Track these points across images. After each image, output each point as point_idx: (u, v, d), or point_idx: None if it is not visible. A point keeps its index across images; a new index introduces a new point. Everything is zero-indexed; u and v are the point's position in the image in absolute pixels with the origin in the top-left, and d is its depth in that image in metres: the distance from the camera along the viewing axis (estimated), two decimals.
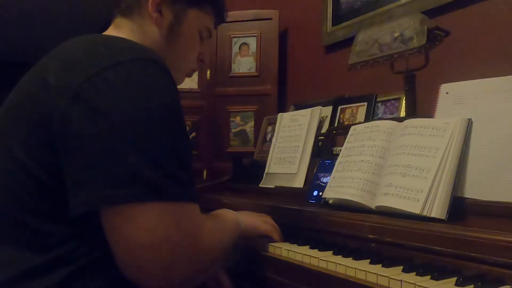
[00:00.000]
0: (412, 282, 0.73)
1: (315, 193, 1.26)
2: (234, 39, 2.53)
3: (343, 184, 1.09)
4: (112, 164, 0.70)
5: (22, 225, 0.76)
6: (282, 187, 1.47)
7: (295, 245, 1.04)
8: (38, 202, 0.76)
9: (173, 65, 0.94)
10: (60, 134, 0.73)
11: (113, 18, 0.99)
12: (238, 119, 2.50)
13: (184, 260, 0.74)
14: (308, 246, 1.01)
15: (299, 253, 0.97)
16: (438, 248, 0.82)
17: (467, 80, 1.02)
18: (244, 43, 2.52)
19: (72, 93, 0.73)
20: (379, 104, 1.65)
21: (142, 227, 0.71)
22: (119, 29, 0.97)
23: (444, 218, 0.89)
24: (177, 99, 0.80)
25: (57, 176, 0.74)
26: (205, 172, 2.54)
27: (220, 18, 1.08)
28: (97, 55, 0.78)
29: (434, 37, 1.21)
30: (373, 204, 1.02)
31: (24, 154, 0.76)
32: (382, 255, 0.90)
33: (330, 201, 1.14)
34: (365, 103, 1.64)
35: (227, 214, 1.01)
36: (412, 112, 1.27)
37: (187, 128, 2.65)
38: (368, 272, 0.80)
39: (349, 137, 1.20)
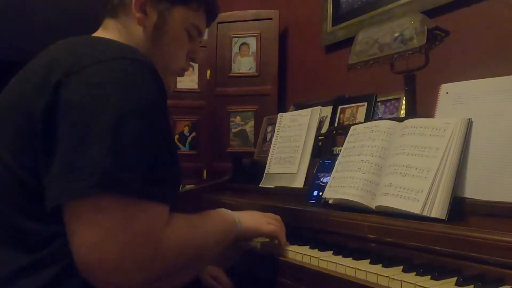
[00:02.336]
0: (412, 282, 0.73)
1: (315, 193, 1.26)
2: (234, 39, 2.53)
3: (343, 184, 1.09)
4: (75, 159, 0.69)
5: (9, 225, 0.76)
6: (282, 187, 1.47)
7: (295, 245, 1.03)
8: (23, 203, 0.75)
9: (161, 64, 0.93)
10: (40, 134, 0.73)
11: (102, 19, 0.99)
12: (238, 119, 2.50)
13: (134, 264, 0.70)
14: (308, 246, 1.01)
15: (299, 253, 0.97)
16: (438, 248, 0.82)
17: (467, 80, 1.02)
18: (244, 43, 2.52)
19: (51, 91, 0.73)
20: (379, 104, 1.65)
21: (87, 223, 0.68)
22: (107, 30, 0.97)
23: (444, 218, 0.89)
24: (157, 99, 0.78)
25: (39, 176, 0.74)
26: (205, 172, 2.54)
27: (210, 14, 1.04)
28: (80, 55, 0.78)
29: (434, 37, 1.21)
30: (373, 204, 1.02)
31: (10, 156, 0.76)
32: (382, 255, 0.90)
33: (330, 201, 1.14)
34: (365, 103, 1.64)
35: (221, 215, 0.96)
36: (412, 112, 1.27)
37: (187, 128, 2.65)
38: (368, 272, 0.80)
39: (349, 137, 1.20)
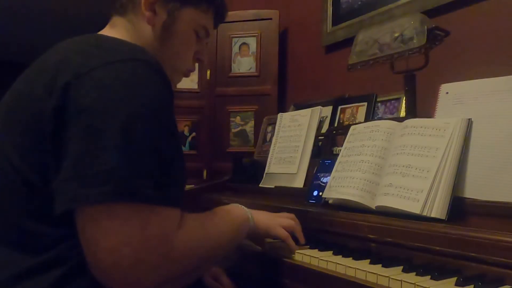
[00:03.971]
0: (412, 282, 0.73)
1: (315, 193, 1.25)
2: (234, 39, 2.53)
3: (343, 184, 1.09)
4: (88, 164, 0.69)
5: (16, 227, 0.76)
6: (282, 187, 1.47)
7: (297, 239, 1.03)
8: (31, 204, 0.75)
9: (168, 64, 0.93)
10: (49, 135, 0.73)
11: (110, 17, 0.99)
12: (238, 119, 2.50)
13: (149, 267, 0.71)
14: (308, 246, 1.01)
15: (299, 253, 0.97)
16: (438, 248, 0.82)
17: (467, 80, 1.02)
18: (244, 43, 2.52)
19: (60, 92, 0.73)
20: (379, 104, 1.65)
21: (104, 229, 0.69)
22: (114, 28, 0.96)
23: (444, 218, 0.89)
24: (166, 100, 0.78)
25: (48, 178, 0.73)
26: (205, 172, 2.54)
27: (219, 16, 1.05)
28: (88, 55, 0.78)
29: (434, 37, 1.21)
30: (373, 204, 1.02)
31: (17, 157, 0.76)
32: (382, 255, 0.90)
33: (330, 201, 1.14)
34: (365, 103, 1.64)
35: (234, 211, 0.96)
36: (412, 112, 1.27)
37: (187, 128, 2.65)
38: (368, 272, 0.80)
39: (349, 137, 1.20)
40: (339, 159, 1.17)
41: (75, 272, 0.73)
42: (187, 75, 1.05)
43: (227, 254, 0.92)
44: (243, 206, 0.99)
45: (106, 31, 0.96)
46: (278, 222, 1.01)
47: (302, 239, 1.03)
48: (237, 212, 0.96)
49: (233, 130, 2.50)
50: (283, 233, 1.00)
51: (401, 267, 0.81)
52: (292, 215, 1.06)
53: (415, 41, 1.20)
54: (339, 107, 1.75)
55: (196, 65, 1.07)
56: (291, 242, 1.00)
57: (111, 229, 0.69)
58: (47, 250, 0.73)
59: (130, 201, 0.70)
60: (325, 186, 1.18)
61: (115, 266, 0.70)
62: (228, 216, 0.93)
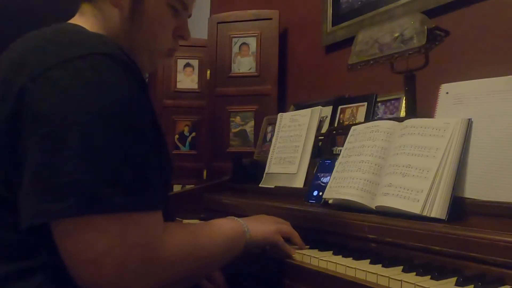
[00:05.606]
0: (412, 282, 0.73)
1: (315, 193, 1.25)
2: (234, 39, 2.53)
3: (343, 184, 1.09)
4: (50, 176, 0.65)
5: None
6: (282, 187, 1.47)
7: (295, 245, 1.03)
8: (1, 214, 0.71)
9: (145, 47, 0.88)
10: (5, 145, 0.69)
11: (79, 5, 0.90)
12: (238, 119, 2.50)
13: (135, 275, 0.69)
14: (308, 246, 1.01)
15: (299, 253, 0.97)
16: (438, 248, 0.82)
17: (467, 80, 1.02)
18: (244, 43, 2.52)
19: (15, 97, 0.68)
20: (379, 104, 1.65)
21: (81, 242, 0.66)
22: (83, 17, 0.88)
23: (444, 218, 0.89)
24: (134, 96, 0.72)
25: (13, 189, 0.70)
26: (205, 172, 2.54)
27: None
28: (44, 52, 0.72)
29: (434, 37, 1.21)
30: (373, 204, 1.02)
31: None
32: (382, 255, 0.89)
33: (330, 201, 1.14)
34: (365, 103, 1.64)
35: (230, 224, 0.92)
36: (412, 112, 1.27)
37: (187, 128, 2.65)
38: (368, 272, 0.80)
39: (349, 137, 1.20)
40: (339, 159, 1.18)
41: (51, 281, 0.70)
42: (170, 55, 0.97)
43: (222, 265, 0.89)
44: (238, 219, 0.95)
45: (75, 20, 0.88)
46: (275, 228, 0.98)
47: (302, 246, 1.00)
48: (232, 225, 0.92)
49: (233, 130, 2.50)
50: (279, 240, 0.98)
51: (401, 267, 0.81)
52: (287, 223, 1.04)
53: (415, 41, 1.20)
54: (339, 107, 1.75)
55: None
56: (287, 247, 0.98)
57: (88, 241, 0.66)
58: (23, 259, 0.70)
59: (101, 212, 0.66)
60: (325, 186, 1.18)
61: (99, 277, 0.67)
62: (222, 228, 0.89)
